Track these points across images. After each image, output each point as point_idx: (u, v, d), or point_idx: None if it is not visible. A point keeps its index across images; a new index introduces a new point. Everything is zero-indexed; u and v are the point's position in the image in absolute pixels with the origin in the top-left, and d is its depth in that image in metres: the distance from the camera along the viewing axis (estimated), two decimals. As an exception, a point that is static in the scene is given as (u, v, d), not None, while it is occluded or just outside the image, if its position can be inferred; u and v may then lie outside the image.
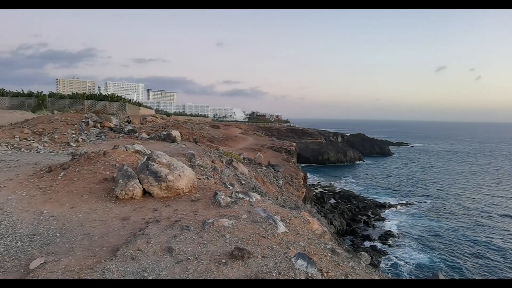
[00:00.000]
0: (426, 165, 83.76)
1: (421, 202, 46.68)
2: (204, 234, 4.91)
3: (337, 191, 52.66)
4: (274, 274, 3.72)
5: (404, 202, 46.90)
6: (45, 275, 3.85)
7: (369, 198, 48.06)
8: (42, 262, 4.18)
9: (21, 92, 40.05)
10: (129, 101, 45.25)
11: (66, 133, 18.61)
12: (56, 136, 17.85)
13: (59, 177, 8.08)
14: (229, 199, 6.57)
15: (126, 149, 11.23)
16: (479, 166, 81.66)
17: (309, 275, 3.82)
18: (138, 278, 3.71)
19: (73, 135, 18.58)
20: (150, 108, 68.69)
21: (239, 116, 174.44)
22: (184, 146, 18.73)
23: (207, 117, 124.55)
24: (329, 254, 4.63)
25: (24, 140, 16.16)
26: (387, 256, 28.83)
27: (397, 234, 34.25)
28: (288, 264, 3.99)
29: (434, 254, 29.38)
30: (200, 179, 9.27)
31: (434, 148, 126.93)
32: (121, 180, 7.09)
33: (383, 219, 39.24)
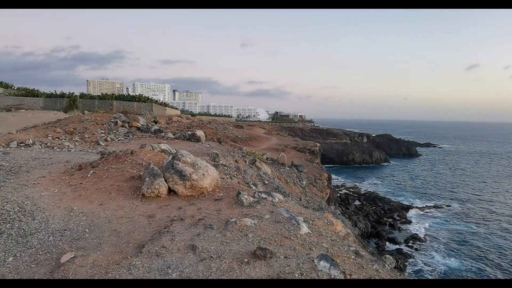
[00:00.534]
0: (455, 167, 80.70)
1: (449, 206, 45.04)
2: (227, 233, 4.96)
3: (362, 192, 51.74)
4: (297, 275, 3.71)
5: (431, 205, 45.42)
6: (75, 269, 4.01)
7: (395, 200, 46.86)
8: (72, 256, 4.36)
9: (54, 93, 41.80)
10: (156, 102, 46.26)
11: (95, 133, 19.27)
12: (86, 136, 18.51)
13: (89, 175, 8.37)
14: (252, 199, 6.60)
15: (153, 148, 11.50)
16: (513, 169, 78.08)
17: (332, 277, 3.79)
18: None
19: (102, 135, 19.20)
20: (176, 109, 69.95)
21: (263, 116, 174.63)
22: (208, 145, 18.96)
23: (231, 117, 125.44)
24: (353, 256, 4.57)
25: (57, 139, 16.84)
26: (413, 260, 28.03)
27: (423, 237, 33.24)
28: (310, 265, 3.97)
29: (463, 260, 28.24)
30: (223, 178, 9.36)
31: (464, 150, 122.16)
32: (147, 179, 7.27)
33: (409, 222, 38.17)
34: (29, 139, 14.80)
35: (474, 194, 51.54)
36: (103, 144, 17.38)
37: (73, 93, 42.38)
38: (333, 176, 48.46)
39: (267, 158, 22.25)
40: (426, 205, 45.08)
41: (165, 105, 54.77)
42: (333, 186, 40.62)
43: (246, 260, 4.02)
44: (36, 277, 3.96)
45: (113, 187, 7.63)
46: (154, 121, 31.17)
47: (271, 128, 73.59)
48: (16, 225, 5.49)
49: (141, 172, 8.16)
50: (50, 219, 5.87)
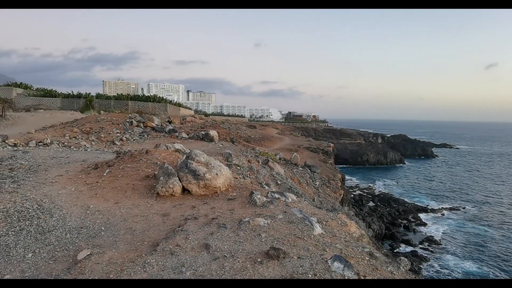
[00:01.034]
0: (473, 168, 78.79)
1: (466, 208, 44.02)
2: (240, 232, 4.97)
3: (376, 193, 51.14)
4: (310, 276, 3.69)
5: (448, 207, 44.51)
6: (91, 266, 4.08)
7: (409, 202, 46.11)
8: (88, 253, 4.44)
9: (71, 93, 42.66)
10: (170, 102, 46.69)
11: (111, 132, 19.59)
12: (102, 135, 18.84)
13: (105, 174, 8.52)
14: (265, 199, 6.60)
15: (167, 148, 11.63)
16: (534, 170, 75.85)
17: (346, 278, 3.76)
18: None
19: (118, 134, 19.51)
20: (190, 109, 70.49)
21: (276, 116, 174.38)
22: (221, 145, 19.05)
23: (244, 117, 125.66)
24: (367, 258, 4.52)
25: (73, 139, 17.19)
26: (429, 263, 27.53)
27: (439, 240, 32.61)
28: (324, 266, 3.94)
29: (480, 264, 27.53)
30: (236, 178, 9.39)
31: (482, 151, 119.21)
32: (162, 178, 7.36)
33: (425, 224, 37.49)
34: (47, 139, 15.14)
35: (491, 197, 50.29)
36: (118, 144, 17.66)
37: (89, 93, 43.16)
38: (347, 177, 48.03)
39: (280, 158, 22.21)
40: (442, 207, 44.22)
41: (179, 105, 55.24)
42: (347, 187, 40.24)
43: (259, 259, 4.03)
44: (53, 274, 4.05)
45: (128, 186, 7.75)
46: (168, 121, 31.51)
47: (284, 128, 73.43)
48: (35, 222, 5.63)
49: (155, 171, 8.25)
50: (67, 216, 5.99)
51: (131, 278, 3.75)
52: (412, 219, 38.84)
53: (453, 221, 38.47)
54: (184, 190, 7.35)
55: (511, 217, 40.07)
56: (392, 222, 37.39)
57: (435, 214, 41.36)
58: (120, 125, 21.20)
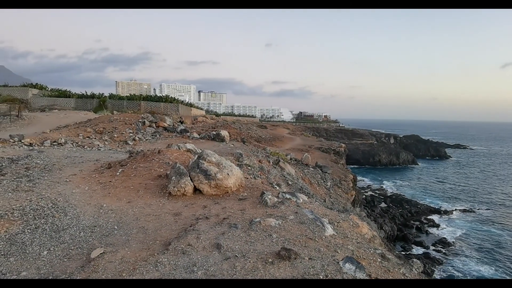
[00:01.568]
0: (487, 169, 77.14)
1: (480, 210, 43.14)
2: (251, 232, 4.97)
3: (389, 194, 50.58)
4: (321, 277, 3.68)
5: (461, 208, 43.71)
6: (104, 265, 4.14)
7: (422, 203, 45.49)
8: (101, 252, 4.50)
9: (85, 93, 43.30)
10: (182, 102, 46.99)
11: (124, 132, 19.83)
12: (115, 135, 19.09)
13: (118, 173, 8.63)
14: (276, 199, 6.59)
15: (179, 148, 11.71)
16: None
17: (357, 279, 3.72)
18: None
19: (131, 134, 19.74)
20: (201, 109, 70.82)
21: (287, 116, 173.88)
22: (232, 145, 19.09)
23: (255, 117, 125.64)
24: (379, 260, 4.47)
25: (87, 138, 17.46)
26: (442, 266, 27.09)
27: (453, 242, 32.06)
28: (335, 267, 3.92)
29: (498, 268, 26.91)
30: (247, 178, 9.40)
31: (497, 152, 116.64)
32: (173, 177, 7.42)
33: (437, 226, 36.92)
34: (61, 138, 15.41)
35: (506, 199, 49.20)
36: (131, 144, 17.86)
37: (102, 93, 43.70)
38: (359, 178, 47.58)
39: (291, 159, 22.15)
40: (455, 209, 43.48)
41: (190, 105, 55.57)
42: (359, 187, 39.88)
43: (270, 260, 4.02)
44: (68, 271, 4.12)
45: (141, 185, 7.84)
46: (180, 121, 31.73)
47: (295, 128, 73.22)
48: (50, 221, 5.74)
49: (167, 171, 8.32)
50: (81, 215, 6.09)
51: (143, 276, 3.79)
52: (424, 221, 38.32)
53: (466, 223, 37.79)
54: (196, 190, 7.39)
55: (527, 219, 39.17)
56: (404, 224, 36.95)
57: (448, 216, 40.70)
58: (133, 125, 21.44)
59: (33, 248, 4.77)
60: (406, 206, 43.25)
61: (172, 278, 3.73)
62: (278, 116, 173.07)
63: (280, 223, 5.35)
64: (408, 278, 4.14)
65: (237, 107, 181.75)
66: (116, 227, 5.63)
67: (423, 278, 4.74)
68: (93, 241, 5.09)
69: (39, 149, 12.84)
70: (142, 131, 21.22)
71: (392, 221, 36.08)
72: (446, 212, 41.92)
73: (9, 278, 4.01)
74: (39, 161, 10.20)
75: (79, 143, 15.71)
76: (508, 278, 25.08)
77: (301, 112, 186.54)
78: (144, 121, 23.14)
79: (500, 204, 45.85)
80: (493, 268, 26.71)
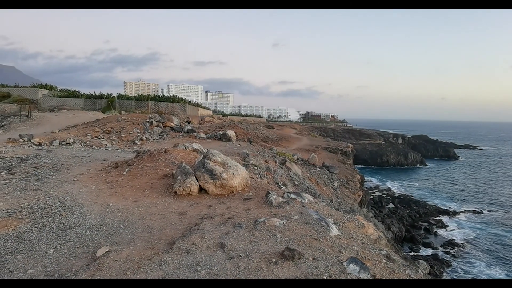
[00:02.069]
0: (497, 170, 75.88)
1: (490, 211, 42.47)
2: (256, 232, 4.98)
3: (396, 195, 50.14)
4: (325, 277, 3.66)
5: (470, 209, 43.10)
6: (109, 263, 4.18)
7: (430, 204, 44.98)
8: (106, 250, 4.54)
9: (93, 94, 43.73)
10: (189, 102, 47.18)
11: (131, 132, 19.98)
12: (123, 135, 19.24)
13: (124, 173, 8.70)
14: (281, 199, 6.58)
15: (185, 148, 11.76)
16: None
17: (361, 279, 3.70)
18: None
19: (138, 134, 19.88)
20: (208, 109, 71.03)
21: (294, 116, 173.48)
22: (238, 145, 19.11)
23: (262, 117, 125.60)
24: (384, 260, 4.44)
25: (95, 138, 17.63)
26: (451, 268, 26.77)
27: (462, 243, 31.65)
28: (339, 268, 3.90)
29: (508, 270, 26.50)
30: (253, 178, 9.40)
31: (507, 152, 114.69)
32: (179, 177, 7.45)
33: (446, 227, 36.48)
34: (70, 138, 15.58)
35: (517, 200, 48.49)
36: (138, 143, 17.99)
37: (111, 94, 44.11)
38: (366, 178, 47.28)
39: (297, 159, 22.10)
40: (464, 210, 42.93)
41: (197, 105, 55.77)
42: (366, 188, 39.61)
43: (274, 260, 4.02)
44: (73, 269, 4.17)
45: (147, 185, 7.89)
46: (187, 121, 31.87)
47: (302, 128, 73.04)
48: (57, 219, 5.81)
49: (173, 171, 8.37)
50: (88, 214, 6.15)
51: (147, 275, 3.81)
52: (433, 222, 37.91)
53: (476, 225, 37.27)
54: (201, 189, 7.42)
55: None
56: (412, 225, 36.61)
57: (457, 217, 40.21)
58: (140, 125, 21.59)
59: (40, 246, 4.84)
60: (414, 207, 42.84)
61: (176, 277, 3.74)
62: (285, 116, 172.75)
63: (284, 223, 5.34)
64: (410, 278, 4.10)
65: (244, 107, 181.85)
66: (121, 226, 5.68)
67: (427, 278, 4.70)
68: (99, 239, 5.14)
69: (48, 149, 13.00)
70: (149, 131, 21.36)
71: (400, 222, 35.78)
72: (455, 213, 41.42)
73: (16, 274, 4.07)
74: (47, 161, 10.33)
75: (87, 142, 15.87)
76: (518, 280, 24.69)
77: (308, 112, 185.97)
78: (152, 121, 23.28)
79: (510, 206, 45.15)
80: (504, 271, 26.30)
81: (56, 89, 47.37)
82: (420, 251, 29.91)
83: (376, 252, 4.72)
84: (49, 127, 21.24)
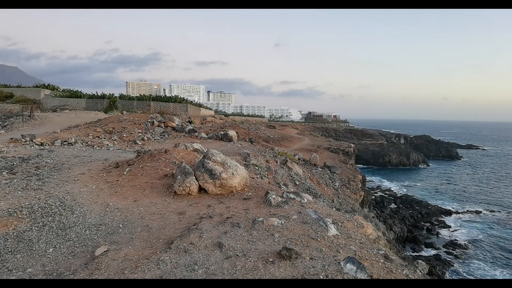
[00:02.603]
0: (500, 170, 75.45)
1: (493, 211, 42.22)
2: (254, 232, 4.99)
3: (399, 195, 50.00)
4: (321, 277, 3.67)
5: (473, 210, 42.90)
6: (107, 262, 4.20)
7: (433, 204, 44.82)
8: (105, 250, 4.57)
9: (95, 94, 43.87)
10: (191, 103, 47.25)
11: (133, 132, 20.03)
12: (124, 135, 19.30)
13: (125, 173, 8.73)
14: (280, 199, 6.59)
15: (186, 148, 11.79)
16: None
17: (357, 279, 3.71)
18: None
19: (140, 134, 19.93)
20: (210, 109, 71.15)
21: (296, 116, 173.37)
22: (240, 145, 19.13)
23: (264, 117, 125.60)
24: (382, 260, 4.44)
25: (97, 138, 17.69)
26: (453, 268, 26.67)
27: (464, 244, 31.52)
28: (336, 267, 3.91)
29: (511, 270, 26.38)
30: (253, 178, 9.42)
31: (510, 152, 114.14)
32: (179, 177, 7.48)
33: (449, 227, 36.35)
34: (71, 138, 15.64)
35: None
36: (140, 143, 18.04)
37: (113, 94, 44.23)
38: (368, 178, 47.20)
39: (299, 159, 22.09)
40: (467, 210, 42.76)
41: (199, 105, 55.84)
42: (368, 188, 39.54)
43: (271, 259, 4.03)
44: (72, 268, 4.19)
45: (147, 185, 7.92)
46: (188, 121, 31.93)
47: (303, 128, 73.00)
48: (57, 219, 5.85)
49: (173, 170, 8.39)
50: (88, 214, 6.18)
51: (145, 274, 3.83)
52: (435, 222, 37.80)
53: (478, 225, 37.12)
54: (201, 189, 7.44)
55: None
56: (414, 225, 36.53)
57: (460, 217, 40.06)
58: (142, 125, 21.64)
59: (40, 246, 4.87)
60: (417, 207, 42.74)
61: (173, 276, 3.76)
62: (287, 116, 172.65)
63: (283, 222, 5.35)
64: (410, 278, 4.10)
65: (246, 107, 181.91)
66: (121, 225, 5.71)
67: (425, 278, 4.69)
68: (98, 239, 5.16)
69: (49, 149, 13.06)
70: (151, 131, 21.41)
71: (402, 222, 35.70)
72: (457, 214, 41.29)
73: (15, 273, 4.09)
74: (49, 160, 10.38)
75: (89, 142, 15.92)
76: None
77: (310, 112, 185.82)
78: (153, 121, 23.34)
79: (512, 206, 45.00)
80: (508, 272, 26.15)
81: (59, 89, 47.56)
82: (422, 251, 29.83)
83: (374, 252, 4.72)
84: (51, 127, 21.34)
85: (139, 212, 6.34)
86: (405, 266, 4.63)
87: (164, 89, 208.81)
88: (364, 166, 70.32)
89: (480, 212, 42.10)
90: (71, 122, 23.64)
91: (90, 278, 3.84)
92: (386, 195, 49.48)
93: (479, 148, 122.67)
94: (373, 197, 43.51)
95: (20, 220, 5.67)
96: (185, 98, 53.41)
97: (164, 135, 21.26)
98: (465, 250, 30.32)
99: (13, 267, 4.25)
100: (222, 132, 21.86)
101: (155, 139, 19.77)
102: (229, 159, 7.98)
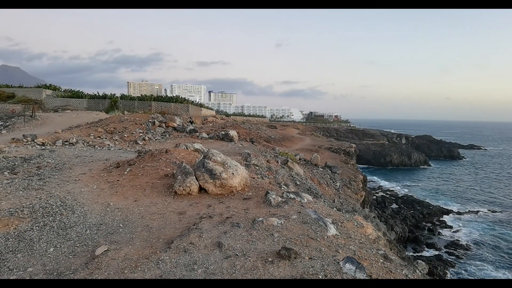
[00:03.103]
0: (502, 171, 75.13)
1: (495, 211, 42.06)
2: (253, 232, 5.00)
3: (400, 195, 49.93)
4: (320, 277, 3.68)
5: (474, 210, 42.73)
6: (107, 262, 4.22)
7: (434, 204, 44.71)
8: (105, 249, 4.59)
9: (97, 94, 43.95)
10: (192, 103, 47.27)
11: (134, 132, 20.07)
12: (125, 135, 19.34)
13: (126, 173, 8.76)
14: (280, 199, 6.60)
15: (186, 148, 11.82)
16: None
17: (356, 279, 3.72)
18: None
19: (141, 134, 19.97)
20: (211, 109, 71.20)
21: (297, 116, 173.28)
22: (240, 145, 19.15)
23: (265, 117, 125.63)
24: (381, 260, 4.45)
25: (98, 138, 17.73)
26: (455, 269, 26.58)
27: (466, 244, 31.43)
28: (335, 267, 3.92)
29: (513, 271, 26.26)
30: (254, 178, 9.44)
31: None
32: (179, 177, 7.50)
33: (450, 227, 36.24)
34: (73, 138, 15.68)
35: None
36: (141, 143, 18.07)
37: (114, 94, 44.28)
38: (370, 178, 47.15)
39: (300, 159, 22.09)
40: (469, 210, 42.63)
41: (200, 105, 55.87)
42: (369, 188, 39.53)
43: (270, 259, 4.05)
44: (72, 268, 4.21)
45: (147, 184, 7.94)
46: (190, 121, 31.97)
47: (305, 128, 73.00)
48: (58, 218, 5.87)
49: (174, 170, 8.41)
50: (88, 213, 6.21)
51: (144, 273, 3.85)
52: (437, 222, 37.72)
53: (480, 225, 37.01)
54: (201, 189, 7.46)
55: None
56: (416, 225, 36.47)
57: (461, 218, 39.94)
58: (143, 125, 21.69)
59: (40, 245, 4.89)
60: (418, 207, 42.66)
61: (173, 275, 3.78)
62: (288, 116, 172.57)
63: (282, 222, 5.36)
64: (409, 278, 4.10)
65: (247, 107, 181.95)
66: (121, 225, 5.73)
67: (424, 278, 4.70)
68: (98, 238, 5.19)
69: (51, 149, 13.10)
70: (152, 131, 21.45)
71: (404, 223, 35.66)
72: (459, 214, 41.16)
73: (15, 273, 4.12)
74: (50, 160, 10.42)
75: (90, 142, 15.97)
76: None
77: (311, 112, 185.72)
78: (154, 121, 23.38)
79: (515, 206, 44.85)
80: (510, 272, 26.06)
81: (60, 89, 47.66)
82: (424, 251, 29.78)
83: (374, 252, 4.73)
84: (52, 127, 21.39)
85: (139, 212, 6.36)
86: (405, 266, 4.64)
87: (165, 89, 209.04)
88: (365, 166, 70.26)
89: (482, 212, 41.97)
90: (72, 122, 23.70)
91: (90, 277, 3.86)
92: (387, 195, 49.42)
93: (481, 148, 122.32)
94: (374, 197, 43.48)
95: (21, 219, 5.70)
96: (186, 98, 53.46)
97: (165, 135, 21.29)
98: (466, 251, 30.22)
99: (14, 266, 4.28)
100: (223, 132, 21.88)
101: (156, 139, 19.80)
102: (229, 159, 8.00)
